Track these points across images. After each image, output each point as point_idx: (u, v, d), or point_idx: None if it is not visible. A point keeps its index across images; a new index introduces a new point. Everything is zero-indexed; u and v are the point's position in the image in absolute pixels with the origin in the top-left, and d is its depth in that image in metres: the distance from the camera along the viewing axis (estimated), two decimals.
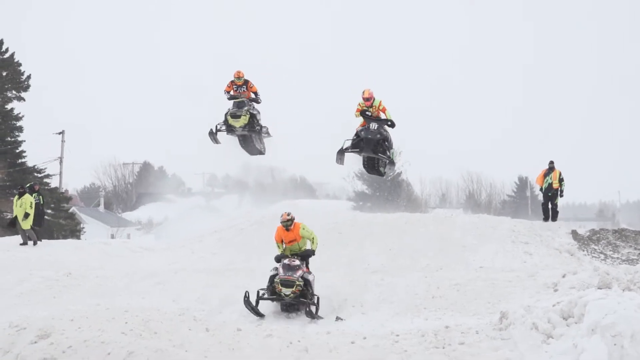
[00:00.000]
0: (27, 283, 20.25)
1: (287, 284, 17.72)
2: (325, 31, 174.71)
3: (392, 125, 21.73)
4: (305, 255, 18.68)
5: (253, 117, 25.27)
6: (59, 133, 58.16)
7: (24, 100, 51.62)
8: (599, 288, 13.15)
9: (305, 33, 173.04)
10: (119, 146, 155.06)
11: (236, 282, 20.04)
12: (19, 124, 51.29)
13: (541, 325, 11.95)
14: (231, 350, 12.24)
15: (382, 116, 21.75)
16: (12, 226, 27.94)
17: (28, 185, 30.29)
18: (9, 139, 50.94)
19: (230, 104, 26.38)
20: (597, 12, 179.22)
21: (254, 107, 26.10)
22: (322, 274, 19.57)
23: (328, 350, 12.48)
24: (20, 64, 51.49)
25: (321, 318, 17.61)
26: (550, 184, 27.89)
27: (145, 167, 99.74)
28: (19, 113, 51.41)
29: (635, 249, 24.86)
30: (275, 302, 18.44)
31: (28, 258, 23.55)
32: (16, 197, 27.72)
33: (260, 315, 17.77)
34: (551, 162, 28.06)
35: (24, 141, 51.71)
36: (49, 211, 45.84)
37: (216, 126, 25.51)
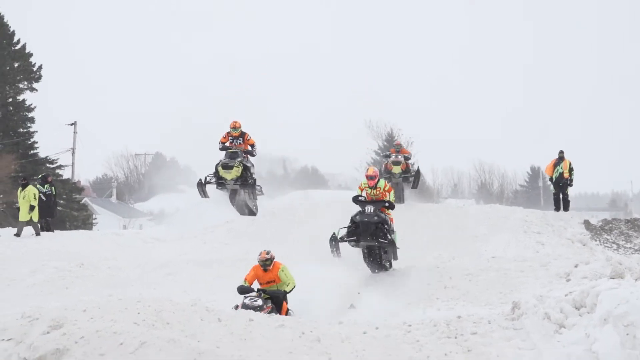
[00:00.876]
0: (40, 274, 20.31)
1: None
2: (325, 30, 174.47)
3: (391, 206, 20.43)
4: (275, 295, 16.06)
5: (246, 170, 24.71)
6: (71, 124, 58.40)
7: (36, 91, 51.89)
8: (611, 278, 13.10)
9: (306, 30, 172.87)
10: (131, 137, 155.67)
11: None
12: (30, 115, 51.59)
13: (553, 315, 11.93)
14: (243, 341, 12.24)
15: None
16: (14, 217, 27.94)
17: (40, 176, 30.41)
18: (21, 130, 51.18)
19: (222, 154, 26.33)
20: None
21: (248, 160, 26.44)
22: (333, 265, 19.56)
23: (340, 341, 12.48)
24: (31, 55, 51.70)
25: None
26: (561, 174, 27.86)
27: (157, 157, 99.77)
28: (31, 104, 51.77)
29: None
30: None
31: (40, 249, 23.62)
32: (19, 189, 27.67)
33: None
34: (561, 152, 28.02)
35: (36, 132, 52.10)
36: (61, 202, 45.96)
37: (206, 177, 25.08)
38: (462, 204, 45.97)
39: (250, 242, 25.05)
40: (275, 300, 16.12)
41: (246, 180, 24.45)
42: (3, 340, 9.02)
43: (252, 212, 26.29)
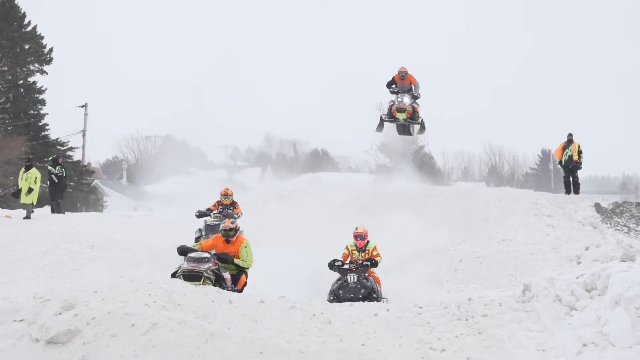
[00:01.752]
0: (51, 255, 20.36)
1: (191, 276, 14.24)
2: (334, 9, 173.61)
3: (374, 265, 17.48)
4: (223, 258, 15.01)
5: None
6: (82, 106, 58.38)
7: (47, 73, 51.85)
8: (622, 261, 13.08)
9: (316, 10, 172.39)
10: (141, 119, 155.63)
11: (259, 255, 19.99)
12: (41, 97, 51.63)
13: (564, 298, 11.93)
14: (254, 322, 12.27)
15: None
16: (15, 197, 27.83)
17: (51, 157, 30.40)
18: (31, 112, 51.23)
19: (200, 223, 23.34)
20: None
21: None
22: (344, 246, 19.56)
23: (351, 323, 12.50)
24: (42, 37, 51.63)
25: None
26: (570, 157, 27.72)
27: (168, 140, 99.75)
28: (42, 86, 51.81)
29: None
30: None
31: (52, 230, 23.66)
32: (22, 170, 27.53)
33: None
34: (570, 135, 27.90)
35: (47, 114, 52.07)
36: (72, 184, 46.04)
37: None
38: (473, 187, 45.85)
39: (258, 224, 25.05)
40: (235, 278, 15.36)
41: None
42: (15, 321, 9.06)
43: None
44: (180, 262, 15.32)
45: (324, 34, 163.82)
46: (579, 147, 27.77)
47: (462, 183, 71.99)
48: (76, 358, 7.86)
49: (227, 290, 14.21)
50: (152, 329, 7.82)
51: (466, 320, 12.38)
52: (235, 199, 23.85)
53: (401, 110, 27.40)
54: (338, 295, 17.06)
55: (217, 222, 22.30)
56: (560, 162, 28.59)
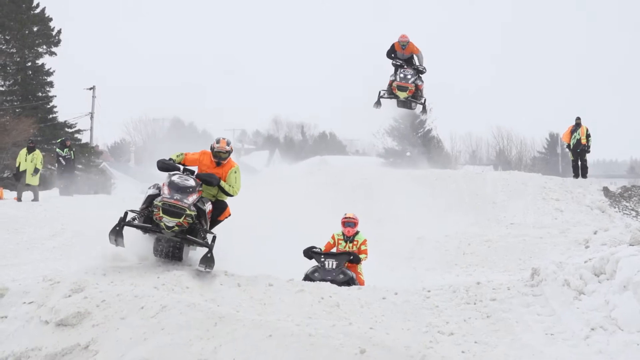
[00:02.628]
0: (60, 237, 20.39)
1: (172, 211, 12.34)
2: None
3: (356, 260, 15.47)
4: (207, 180, 13.23)
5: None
6: (90, 88, 58.48)
7: (55, 55, 51.78)
8: (630, 245, 13.07)
9: None
10: (149, 102, 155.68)
11: (265, 237, 19.95)
12: (49, 79, 51.61)
13: (573, 282, 11.92)
14: (263, 305, 12.29)
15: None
16: (17, 179, 27.67)
17: (60, 140, 30.40)
18: (40, 94, 51.21)
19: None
20: None
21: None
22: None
23: (360, 306, 12.51)
24: (50, 19, 51.52)
25: (211, 269, 12.85)
26: (578, 140, 27.68)
27: (175, 123, 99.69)
28: (50, 68, 51.75)
29: None
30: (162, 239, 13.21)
31: (60, 213, 23.69)
32: (24, 151, 27.32)
33: (120, 244, 12.78)
34: (578, 118, 27.86)
35: (55, 96, 52.04)
36: (80, 166, 46.09)
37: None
38: (481, 170, 45.86)
39: (266, 207, 25.01)
40: (216, 206, 13.80)
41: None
42: (25, 303, 9.10)
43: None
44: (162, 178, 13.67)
45: (338, 16, 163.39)
46: (587, 130, 27.74)
47: (470, 167, 71.95)
48: (85, 340, 7.89)
49: (202, 233, 13.08)
50: (161, 312, 7.85)
51: (474, 304, 12.40)
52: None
53: (403, 88, 25.11)
54: (312, 278, 14.75)
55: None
56: (568, 146, 28.56)
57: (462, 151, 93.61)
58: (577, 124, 27.69)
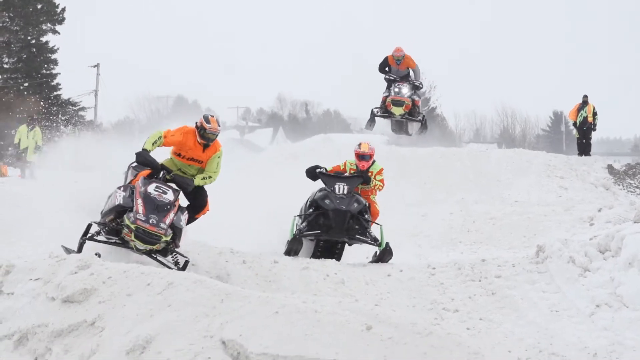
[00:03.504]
0: (64, 214, 20.39)
1: (147, 240, 11.11)
2: None
3: (367, 180, 14.34)
4: (183, 186, 11.96)
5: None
6: (94, 66, 58.39)
7: (59, 33, 51.74)
8: (635, 222, 13.09)
9: None
10: (153, 79, 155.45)
11: (270, 216, 19.90)
12: (53, 56, 51.55)
13: (578, 259, 11.95)
14: (268, 282, 12.32)
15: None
16: (18, 157, 27.53)
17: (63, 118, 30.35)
18: (44, 71, 51.21)
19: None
20: None
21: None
22: None
23: (364, 283, 12.54)
24: None
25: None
26: (585, 118, 27.69)
27: (179, 100, 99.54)
28: (54, 46, 51.69)
29: None
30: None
31: (64, 190, 23.68)
32: (24, 127, 27.12)
33: (73, 251, 11.57)
34: (585, 96, 27.85)
35: (59, 74, 52.04)
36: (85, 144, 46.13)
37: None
38: (485, 148, 45.80)
39: (271, 183, 24.95)
40: (195, 199, 12.31)
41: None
42: (31, 280, 9.12)
43: None
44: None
45: None
46: (594, 108, 27.75)
47: (474, 144, 71.90)
48: (92, 316, 7.91)
49: (174, 255, 11.83)
50: (167, 288, 7.86)
51: (479, 281, 12.43)
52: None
53: (398, 103, 22.46)
54: (321, 205, 13.62)
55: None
56: (574, 124, 28.54)
57: (466, 129, 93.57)
58: (584, 102, 27.68)
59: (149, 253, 11.53)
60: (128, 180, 12.69)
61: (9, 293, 9.15)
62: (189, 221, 12.28)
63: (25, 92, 47.12)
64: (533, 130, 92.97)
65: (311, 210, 13.99)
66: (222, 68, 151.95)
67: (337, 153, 27.68)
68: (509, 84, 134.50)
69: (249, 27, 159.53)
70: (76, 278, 8.39)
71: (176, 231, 11.45)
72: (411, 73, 23.36)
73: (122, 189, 11.87)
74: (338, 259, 14.10)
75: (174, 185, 11.85)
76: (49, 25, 51.08)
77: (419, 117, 23.55)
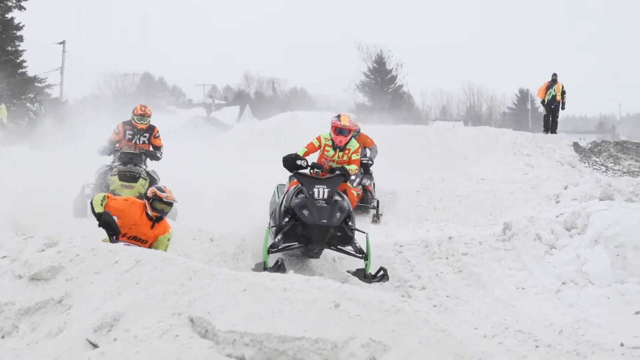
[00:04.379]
0: (31, 192, 20.26)
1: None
2: None
3: (346, 177, 12.65)
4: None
5: (153, 184, 13.41)
6: (60, 43, 57.94)
7: (25, 9, 51.26)
8: (600, 200, 13.20)
9: None
10: (119, 56, 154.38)
11: (238, 194, 19.84)
12: (19, 33, 51.04)
13: (544, 236, 12.05)
14: (235, 260, 12.34)
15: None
16: None
17: (30, 95, 30.19)
18: (9, 48, 50.72)
19: (107, 159, 16.81)
20: None
21: (153, 171, 16.17)
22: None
23: (332, 260, 12.58)
24: None
25: None
26: (554, 96, 27.83)
27: (146, 78, 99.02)
28: (20, 22, 51.15)
29: (637, 161, 25.00)
30: None
31: (31, 167, 23.52)
32: None
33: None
34: (554, 75, 27.99)
35: (25, 51, 51.58)
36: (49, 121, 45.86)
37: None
38: (452, 126, 45.92)
39: (238, 161, 24.90)
40: None
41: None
42: None
43: None
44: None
45: None
46: (562, 87, 27.91)
47: (440, 122, 72.10)
48: (60, 294, 7.88)
49: None
50: (135, 266, 7.84)
51: (446, 258, 12.52)
52: (154, 124, 16.75)
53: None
54: (300, 216, 11.77)
55: (129, 152, 16.11)
56: (543, 102, 28.68)
57: (433, 107, 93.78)
58: (554, 80, 27.82)
59: None
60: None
61: None
62: None
63: None
64: (499, 108, 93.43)
65: (287, 219, 12.07)
66: (189, 45, 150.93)
67: (304, 130, 27.68)
68: (476, 61, 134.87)
69: (217, 3, 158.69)
70: (43, 256, 8.34)
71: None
72: (367, 152, 19.25)
73: None
74: (317, 257, 12.75)
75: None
76: (14, 1, 50.59)
77: (373, 203, 18.66)
